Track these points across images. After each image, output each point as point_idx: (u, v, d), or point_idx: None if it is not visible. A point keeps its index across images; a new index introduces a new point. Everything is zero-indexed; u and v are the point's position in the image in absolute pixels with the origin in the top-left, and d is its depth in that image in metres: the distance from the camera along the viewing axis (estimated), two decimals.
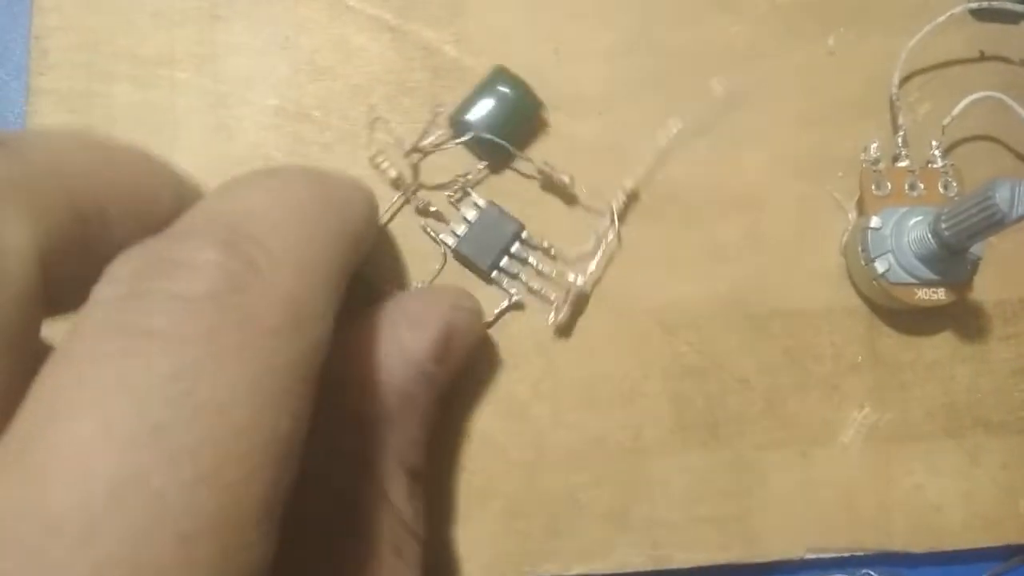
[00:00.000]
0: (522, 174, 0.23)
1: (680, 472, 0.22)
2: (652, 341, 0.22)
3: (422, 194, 0.22)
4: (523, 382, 0.22)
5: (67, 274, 0.13)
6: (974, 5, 0.24)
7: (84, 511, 0.10)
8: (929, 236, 0.21)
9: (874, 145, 0.23)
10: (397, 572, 0.17)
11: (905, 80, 0.24)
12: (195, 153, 0.22)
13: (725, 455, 0.22)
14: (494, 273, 0.22)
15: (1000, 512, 0.22)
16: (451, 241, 0.22)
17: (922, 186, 0.22)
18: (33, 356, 0.12)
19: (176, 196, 0.16)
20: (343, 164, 0.22)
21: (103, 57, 0.22)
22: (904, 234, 0.21)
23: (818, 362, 0.22)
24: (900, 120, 0.23)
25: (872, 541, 0.22)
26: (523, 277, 0.22)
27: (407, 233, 0.22)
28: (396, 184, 0.22)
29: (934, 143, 0.23)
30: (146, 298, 0.12)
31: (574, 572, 0.21)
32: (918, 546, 0.22)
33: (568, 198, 0.23)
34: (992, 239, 0.20)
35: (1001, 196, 0.18)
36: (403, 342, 0.18)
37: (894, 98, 0.23)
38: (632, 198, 0.23)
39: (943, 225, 0.20)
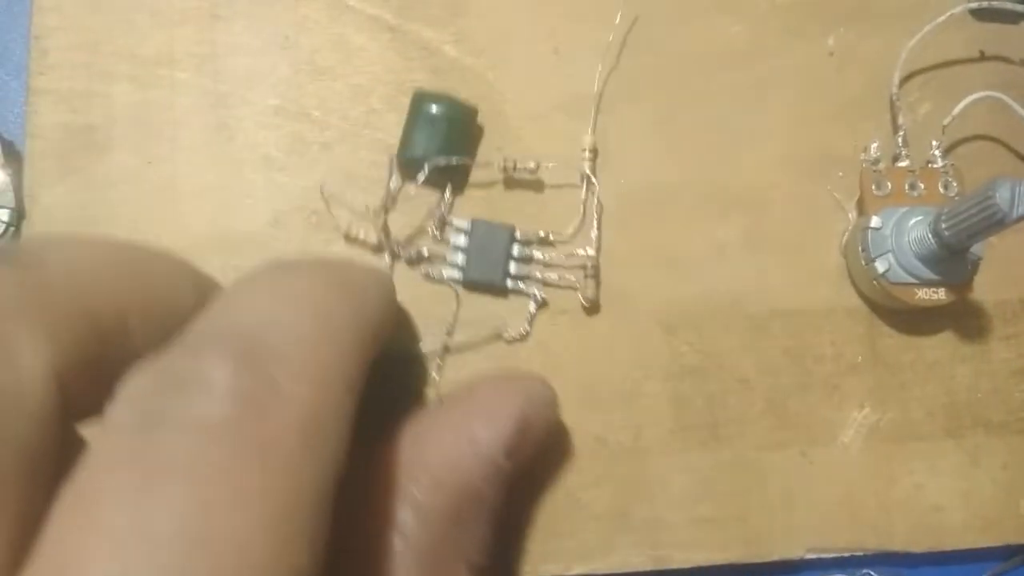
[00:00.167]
0: (489, 181, 0.22)
1: (680, 472, 0.22)
2: (652, 341, 0.22)
3: (408, 245, 0.22)
4: None
5: (87, 385, 0.13)
6: (974, 5, 0.24)
7: None
8: (929, 236, 0.21)
9: (874, 145, 0.23)
10: None
11: (905, 80, 0.24)
12: (195, 153, 0.22)
13: (725, 455, 0.22)
14: (508, 282, 0.22)
15: (1000, 512, 0.22)
16: (456, 274, 0.22)
17: (922, 186, 0.22)
18: (55, 470, 0.12)
19: (196, 292, 0.16)
20: (342, 163, 0.22)
21: (103, 57, 0.22)
22: (904, 234, 0.21)
23: (818, 362, 0.22)
24: (900, 120, 0.23)
25: (872, 541, 0.22)
26: (537, 274, 0.22)
27: (411, 287, 0.22)
28: (379, 247, 0.22)
29: (934, 143, 0.23)
30: (161, 427, 0.11)
31: (574, 572, 0.21)
32: (918, 546, 0.22)
33: (539, 184, 0.22)
34: (992, 239, 0.20)
35: (1001, 196, 0.18)
36: (476, 437, 0.17)
37: (894, 98, 0.23)
38: (595, 152, 0.22)
39: (943, 225, 0.20)
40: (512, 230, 0.22)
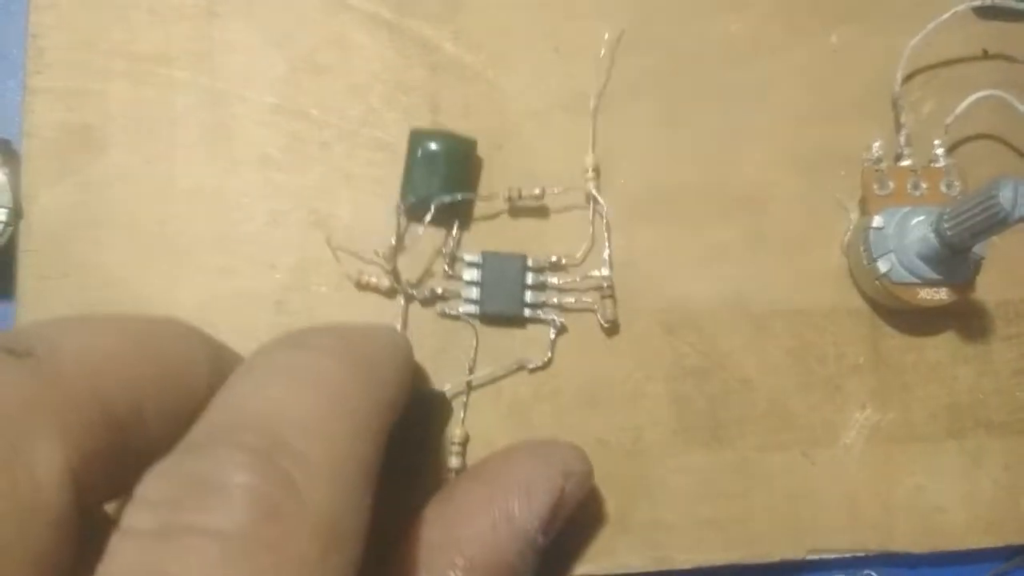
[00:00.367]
0: (495, 212, 0.22)
1: (682, 473, 0.22)
2: (653, 342, 0.22)
3: (421, 286, 0.22)
4: (525, 384, 0.22)
5: (103, 476, 0.13)
6: (977, 3, 0.23)
7: None
8: (932, 236, 0.21)
9: (876, 144, 0.23)
10: None
11: (908, 78, 0.24)
12: (192, 151, 0.22)
13: (727, 456, 0.22)
14: (526, 312, 0.22)
15: (1002, 513, 0.22)
16: (472, 308, 0.22)
17: (924, 185, 0.22)
18: (72, 563, 0.12)
19: (210, 365, 0.15)
20: (341, 162, 0.22)
21: (100, 55, 0.22)
22: (906, 234, 0.21)
23: (820, 363, 0.22)
24: (903, 119, 0.23)
25: (874, 542, 0.22)
26: (554, 300, 0.22)
27: (429, 327, 0.22)
28: (392, 292, 0.22)
29: (937, 142, 0.23)
30: (179, 536, 0.11)
31: (575, 573, 0.21)
32: (920, 547, 0.22)
33: (545, 209, 0.22)
34: (995, 239, 0.20)
35: (1004, 195, 0.18)
36: (512, 513, 0.17)
37: (897, 97, 0.23)
38: (598, 172, 0.22)
39: (946, 225, 0.20)
40: (523, 259, 0.22)
